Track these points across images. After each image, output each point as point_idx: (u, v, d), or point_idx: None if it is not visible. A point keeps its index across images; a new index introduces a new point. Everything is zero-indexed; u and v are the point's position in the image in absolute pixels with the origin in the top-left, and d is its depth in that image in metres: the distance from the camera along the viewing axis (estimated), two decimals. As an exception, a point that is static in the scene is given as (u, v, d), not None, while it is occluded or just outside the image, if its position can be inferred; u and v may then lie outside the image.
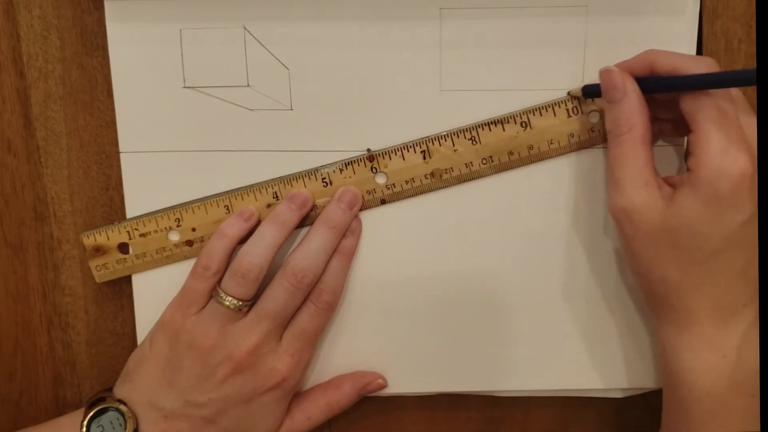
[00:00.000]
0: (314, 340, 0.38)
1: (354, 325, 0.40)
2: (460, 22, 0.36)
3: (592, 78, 0.37)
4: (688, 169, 0.32)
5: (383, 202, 0.38)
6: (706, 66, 0.32)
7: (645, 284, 0.34)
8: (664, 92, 0.34)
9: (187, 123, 0.38)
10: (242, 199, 0.38)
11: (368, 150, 0.38)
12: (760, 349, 0.40)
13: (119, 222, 0.39)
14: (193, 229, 0.38)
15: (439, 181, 0.38)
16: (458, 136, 0.37)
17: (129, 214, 0.39)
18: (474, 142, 0.37)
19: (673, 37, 0.36)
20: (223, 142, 0.38)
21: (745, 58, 0.38)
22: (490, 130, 0.37)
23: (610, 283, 0.39)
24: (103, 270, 0.39)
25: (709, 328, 0.33)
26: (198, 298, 0.37)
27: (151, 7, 0.36)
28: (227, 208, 0.38)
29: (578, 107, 0.37)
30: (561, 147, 0.37)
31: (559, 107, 0.37)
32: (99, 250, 0.39)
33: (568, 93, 0.37)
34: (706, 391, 0.33)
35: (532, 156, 0.37)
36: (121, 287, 0.41)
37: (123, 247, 0.39)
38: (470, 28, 0.37)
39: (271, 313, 0.36)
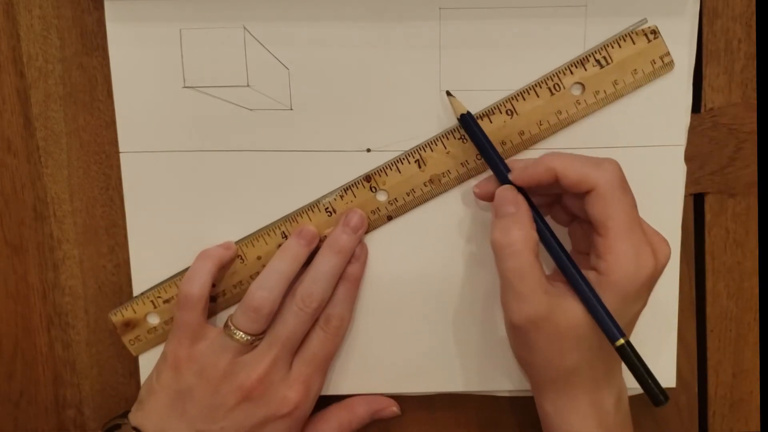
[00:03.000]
0: (324, 366, 0.38)
1: (354, 326, 0.40)
2: (460, 22, 0.36)
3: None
4: (593, 268, 0.33)
5: (390, 218, 0.38)
6: (609, 169, 0.33)
7: (537, 372, 0.35)
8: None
9: (187, 123, 0.38)
10: (253, 245, 0.38)
11: (368, 150, 0.38)
12: (760, 349, 0.40)
13: (142, 294, 0.39)
14: (213, 285, 0.38)
15: (439, 185, 0.38)
16: (448, 138, 0.37)
17: (129, 213, 0.39)
18: (464, 141, 0.37)
19: (673, 37, 0.37)
20: (223, 142, 0.38)
21: (745, 58, 0.38)
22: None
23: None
24: (137, 343, 0.40)
25: (597, 394, 0.35)
26: (193, 329, 0.37)
27: (151, 7, 0.36)
28: (241, 259, 0.38)
29: (559, 83, 0.36)
30: (552, 126, 0.37)
31: (540, 88, 0.37)
32: (128, 325, 0.39)
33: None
34: None
35: (525, 141, 0.37)
36: (121, 287, 0.41)
37: (151, 317, 0.39)
38: (470, 28, 0.37)
39: (281, 338, 0.36)
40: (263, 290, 0.36)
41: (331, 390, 0.40)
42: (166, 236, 0.39)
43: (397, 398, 0.41)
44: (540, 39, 0.37)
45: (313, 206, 0.38)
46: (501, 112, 0.37)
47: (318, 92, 0.37)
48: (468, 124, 0.36)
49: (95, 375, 0.42)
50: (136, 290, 0.39)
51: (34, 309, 0.41)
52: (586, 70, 0.36)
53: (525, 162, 0.35)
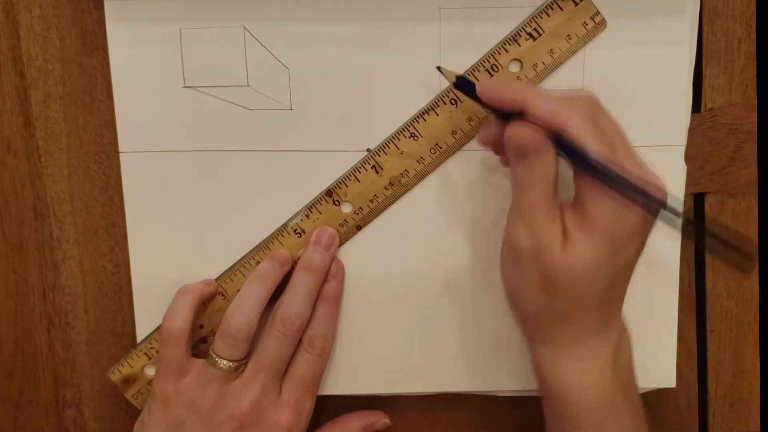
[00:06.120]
0: (314, 387, 0.38)
1: (353, 326, 0.40)
2: (460, 22, 0.36)
3: (592, 77, 0.37)
4: (580, 209, 0.31)
5: (359, 227, 0.38)
6: (580, 108, 0.31)
7: (526, 310, 0.34)
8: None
9: (187, 123, 0.38)
10: (231, 280, 0.39)
11: (368, 150, 0.38)
12: (760, 349, 0.40)
13: (135, 348, 0.39)
14: (201, 326, 0.39)
15: (400, 186, 0.38)
16: (399, 138, 0.37)
17: (129, 213, 0.39)
18: (415, 138, 0.37)
19: (673, 37, 0.37)
20: (223, 142, 0.38)
21: (745, 58, 0.38)
22: (425, 120, 0.37)
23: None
24: (140, 397, 0.40)
25: (590, 342, 0.33)
26: (178, 363, 0.37)
27: (151, 7, 0.36)
28: (223, 295, 0.39)
29: (497, 63, 0.36)
30: None
31: (479, 71, 0.36)
32: (128, 381, 0.39)
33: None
34: (596, 398, 0.33)
35: (475, 127, 0.37)
36: (121, 287, 0.41)
37: (149, 369, 0.39)
38: (470, 28, 0.37)
39: (266, 363, 0.36)
40: (238, 316, 0.36)
41: (332, 390, 0.40)
42: (166, 236, 0.39)
43: (396, 398, 0.41)
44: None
45: (282, 230, 0.38)
46: (446, 103, 0.37)
47: (318, 92, 0.37)
48: (465, 86, 0.34)
49: (95, 375, 0.42)
50: (137, 290, 0.39)
51: (34, 309, 0.41)
52: (519, 45, 0.36)
53: (498, 82, 0.33)
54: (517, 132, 0.31)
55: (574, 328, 0.33)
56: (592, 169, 0.30)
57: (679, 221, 0.29)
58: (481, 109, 0.37)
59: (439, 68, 0.36)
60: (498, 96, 0.32)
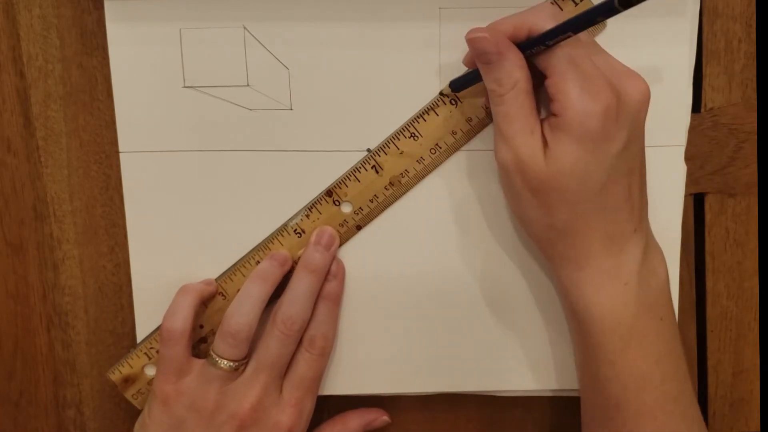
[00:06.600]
0: (314, 387, 0.38)
1: (354, 326, 0.40)
2: (460, 22, 0.36)
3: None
4: (553, 114, 0.32)
5: (359, 227, 0.38)
6: (547, 8, 0.32)
7: (536, 231, 0.34)
8: (526, 51, 0.32)
9: (187, 123, 0.38)
10: (231, 280, 0.38)
11: (368, 150, 0.38)
12: (760, 349, 0.40)
13: (135, 348, 0.39)
14: (201, 326, 0.39)
15: (400, 186, 0.38)
16: (399, 138, 0.37)
17: (129, 213, 0.39)
18: (415, 138, 0.37)
19: (673, 37, 0.37)
20: (223, 142, 0.38)
21: (745, 58, 0.38)
22: (425, 120, 0.37)
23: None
24: (140, 397, 0.40)
25: (606, 260, 0.33)
26: (178, 363, 0.37)
27: (151, 7, 0.36)
28: (223, 295, 0.39)
29: None
30: None
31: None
32: (128, 381, 0.39)
33: (441, 93, 0.37)
34: (617, 320, 0.33)
35: (475, 127, 0.37)
36: (121, 287, 0.41)
37: (149, 368, 0.39)
38: (470, 28, 0.36)
39: (267, 363, 0.36)
40: (238, 315, 0.36)
41: (332, 390, 0.40)
42: (166, 236, 0.39)
43: (396, 398, 0.41)
44: (540, 39, 0.37)
45: (281, 230, 0.38)
46: (445, 103, 0.37)
47: (318, 92, 0.37)
48: (459, 84, 0.36)
49: (95, 375, 0.42)
50: (137, 290, 0.39)
51: (34, 309, 0.41)
52: None
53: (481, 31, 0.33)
54: (476, 34, 0.32)
55: (584, 243, 0.33)
56: (553, 37, 0.31)
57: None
58: (481, 109, 0.37)
59: (441, 93, 0.36)
60: (470, 34, 0.33)
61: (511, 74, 0.32)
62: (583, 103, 0.31)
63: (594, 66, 0.31)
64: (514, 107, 0.32)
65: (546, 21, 0.32)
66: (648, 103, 0.32)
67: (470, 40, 0.32)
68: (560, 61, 0.31)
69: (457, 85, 0.36)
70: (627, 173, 0.33)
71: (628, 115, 0.32)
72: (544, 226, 0.33)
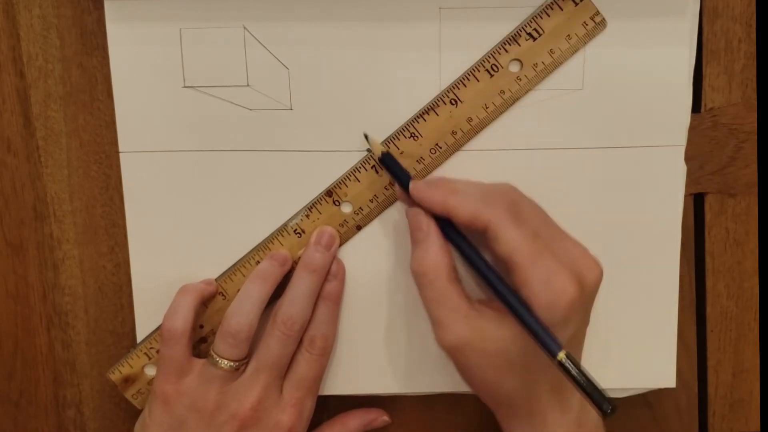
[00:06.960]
0: (315, 387, 0.38)
1: (354, 326, 0.40)
2: (460, 22, 0.36)
3: (592, 77, 0.37)
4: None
5: (359, 227, 0.38)
6: (498, 203, 0.33)
7: (487, 397, 0.36)
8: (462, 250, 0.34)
9: (187, 123, 0.38)
10: (231, 280, 0.38)
11: (368, 150, 0.38)
12: (760, 349, 0.40)
13: (135, 348, 0.39)
14: (201, 326, 0.39)
15: None
16: (398, 138, 0.37)
17: (129, 213, 0.39)
18: (415, 138, 0.37)
19: (673, 37, 0.37)
20: (223, 142, 0.38)
21: (745, 58, 0.38)
22: (425, 120, 0.37)
23: (610, 281, 0.39)
24: (140, 397, 0.40)
25: (552, 413, 0.35)
26: (178, 363, 0.37)
27: (151, 7, 0.36)
28: (223, 295, 0.39)
29: (497, 64, 0.36)
30: (498, 107, 0.37)
31: (479, 71, 0.36)
32: (128, 381, 0.39)
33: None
34: None
35: (475, 127, 0.37)
36: (121, 287, 0.41)
37: (149, 368, 0.39)
38: (470, 28, 0.37)
39: (268, 363, 0.36)
40: (238, 315, 0.36)
41: (332, 390, 0.40)
42: (166, 236, 0.39)
43: (396, 398, 0.41)
44: (540, 39, 0.37)
45: (281, 230, 0.38)
46: (446, 103, 0.37)
47: (318, 92, 0.37)
48: (388, 163, 0.36)
49: (95, 375, 0.42)
50: (137, 290, 0.39)
51: (34, 309, 0.41)
52: (519, 45, 0.36)
53: (428, 185, 0.35)
54: (410, 216, 0.35)
55: (528, 404, 0.34)
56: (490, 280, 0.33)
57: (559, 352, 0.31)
58: (481, 109, 0.37)
59: (366, 136, 0.37)
60: (426, 199, 0.34)
61: (434, 261, 0.34)
62: (549, 297, 0.32)
63: (555, 259, 0.32)
64: (440, 294, 0.34)
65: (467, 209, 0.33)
66: (599, 284, 0.34)
67: (408, 214, 0.35)
68: (523, 256, 0.32)
69: (386, 163, 0.36)
70: (574, 342, 0.35)
71: (587, 299, 0.33)
72: (495, 394, 0.35)
